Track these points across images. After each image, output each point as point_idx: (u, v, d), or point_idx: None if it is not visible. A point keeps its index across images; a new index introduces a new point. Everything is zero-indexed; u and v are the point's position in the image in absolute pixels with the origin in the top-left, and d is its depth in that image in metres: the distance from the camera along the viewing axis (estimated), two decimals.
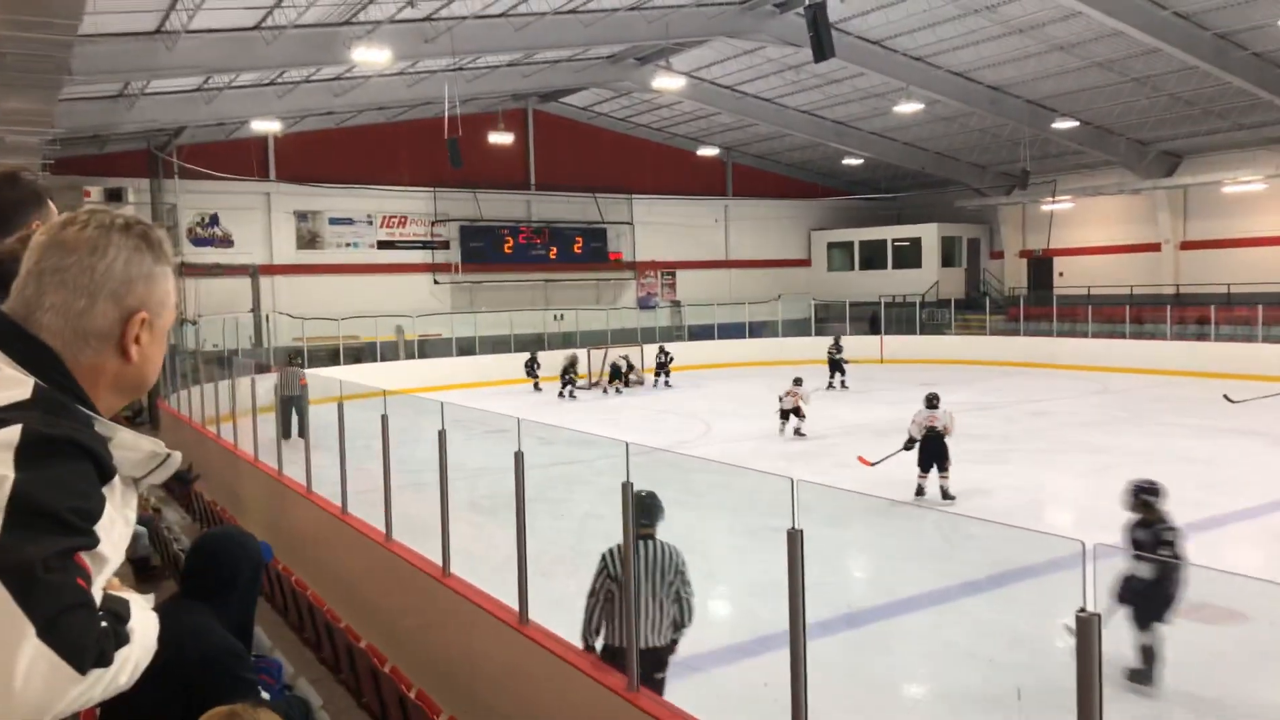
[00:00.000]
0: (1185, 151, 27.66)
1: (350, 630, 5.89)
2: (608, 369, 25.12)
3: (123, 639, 1.21)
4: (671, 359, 25.28)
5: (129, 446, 1.29)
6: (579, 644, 5.19)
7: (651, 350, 26.28)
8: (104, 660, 1.15)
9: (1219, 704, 6.06)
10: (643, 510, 5.07)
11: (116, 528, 1.25)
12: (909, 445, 11.79)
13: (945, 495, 11.52)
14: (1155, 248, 28.91)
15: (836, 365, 23.47)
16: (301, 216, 27.27)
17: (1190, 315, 26.24)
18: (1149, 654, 6.10)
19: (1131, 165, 28.00)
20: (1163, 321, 26.30)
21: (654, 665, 5.09)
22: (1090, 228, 30.84)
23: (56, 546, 1.12)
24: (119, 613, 1.24)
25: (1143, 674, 6.07)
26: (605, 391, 24.21)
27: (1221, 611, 7.19)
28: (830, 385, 22.99)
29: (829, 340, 24.58)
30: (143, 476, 1.33)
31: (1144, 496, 6.63)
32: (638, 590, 4.95)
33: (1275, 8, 17.42)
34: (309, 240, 27.43)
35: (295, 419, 14.62)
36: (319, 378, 16.54)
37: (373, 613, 7.43)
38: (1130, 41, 19.86)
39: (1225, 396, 17.57)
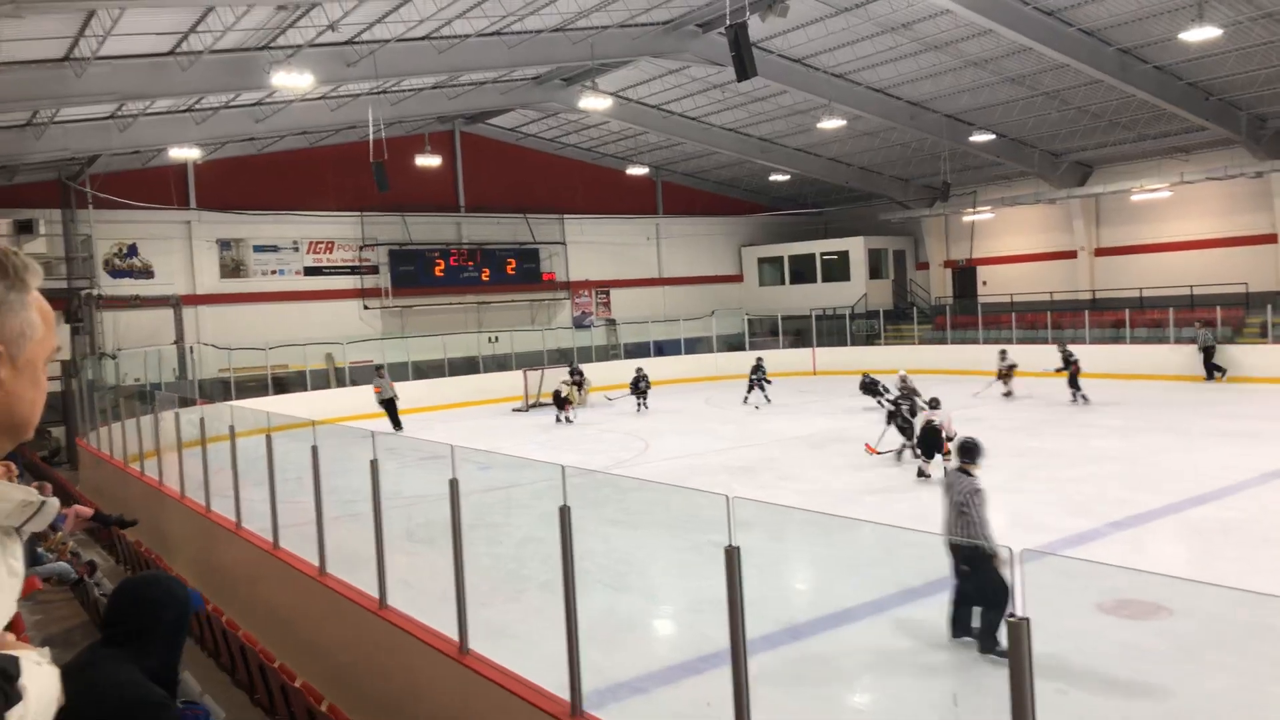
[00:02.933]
0: (1096, 162, 28.76)
1: (285, 669, 5.73)
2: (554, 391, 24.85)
3: (13, 698, 1.16)
4: (648, 382, 23.49)
5: None
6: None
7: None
8: None
9: (1148, 697, 6.24)
10: (970, 448, 7.46)
11: None
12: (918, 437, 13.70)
13: (923, 474, 13.21)
14: (1072, 255, 29.94)
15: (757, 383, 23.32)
16: (224, 244, 26.64)
17: (1106, 319, 27.20)
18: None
19: (1046, 175, 28.99)
20: (1081, 326, 27.22)
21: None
22: (1010, 237, 31.80)
23: None
24: (7, 670, 1.19)
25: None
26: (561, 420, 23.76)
27: (1146, 606, 7.42)
28: (746, 400, 23.08)
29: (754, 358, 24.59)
30: (20, 525, 1.26)
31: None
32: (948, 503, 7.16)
33: (1173, 23, 18.24)
34: (233, 269, 26.80)
35: None
36: (247, 409, 16.14)
37: (309, 650, 7.24)
38: (1039, 57, 20.60)
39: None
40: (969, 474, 7.12)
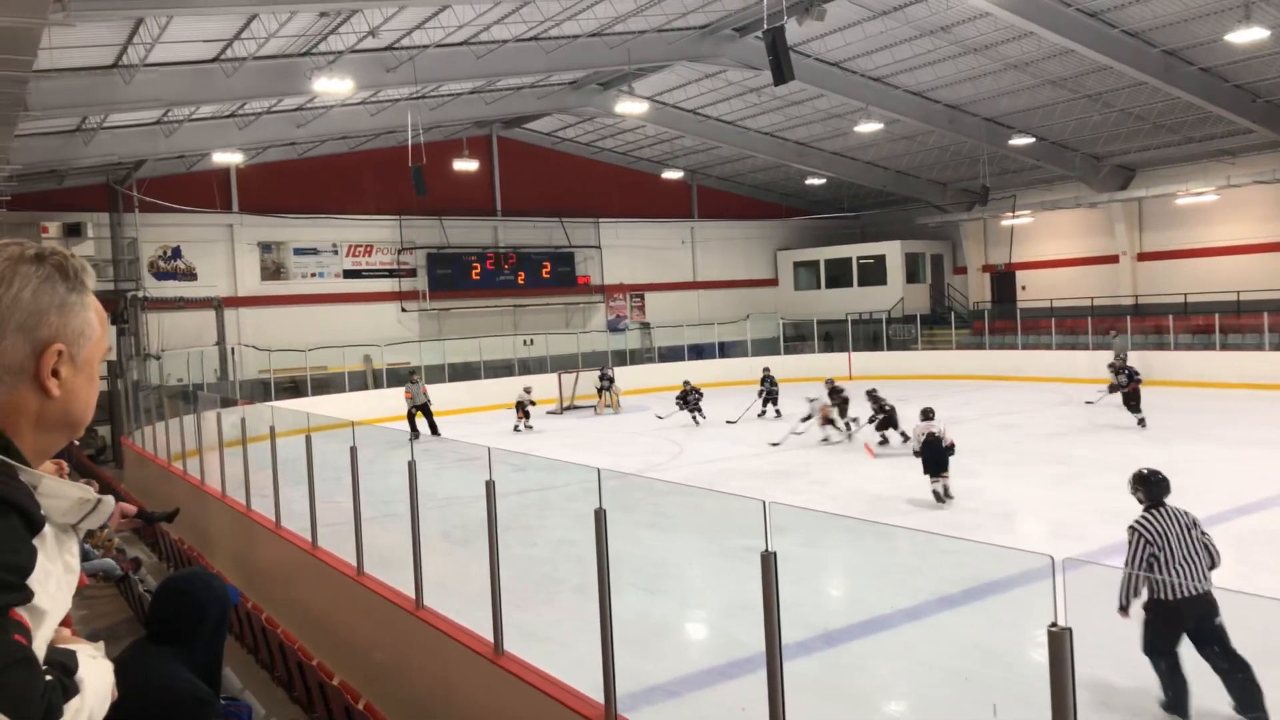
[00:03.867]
0: (1139, 165, 28.27)
1: (322, 667, 5.80)
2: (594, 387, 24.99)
3: (71, 691, 1.19)
4: (699, 394, 22.20)
5: (55, 494, 1.24)
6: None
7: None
8: (53, 713, 1.13)
9: (1192, 710, 6.12)
10: (1161, 484, 6.26)
11: (52, 579, 1.21)
12: (918, 452, 12.85)
13: (946, 495, 12.24)
14: (1114, 259, 29.45)
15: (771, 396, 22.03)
16: (265, 247, 27.05)
17: (1149, 325, 26.72)
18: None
19: (1087, 179, 28.56)
20: (1123, 332, 26.75)
21: (1205, 608, 5.72)
22: (1050, 241, 31.36)
23: None
24: (66, 664, 1.22)
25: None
26: (598, 411, 23.99)
27: None
28: (763, 414, 21.89)
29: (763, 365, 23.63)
30: (77, 522, 1.29)
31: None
32: (1174, 549, 5.94)
33: (1219, 25, 17.91)
34: (274, 271, 27.20)
35: None
36: (286, 410, 16.38)
37: (345, 648, 7.33)
38: (1081, 59, 20.31)
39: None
40: (1167, 505, 6.18)
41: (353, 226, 28.11)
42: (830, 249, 35.72)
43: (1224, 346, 24.43)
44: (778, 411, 21.83)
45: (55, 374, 1.25)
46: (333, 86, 16.59)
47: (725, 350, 31.79)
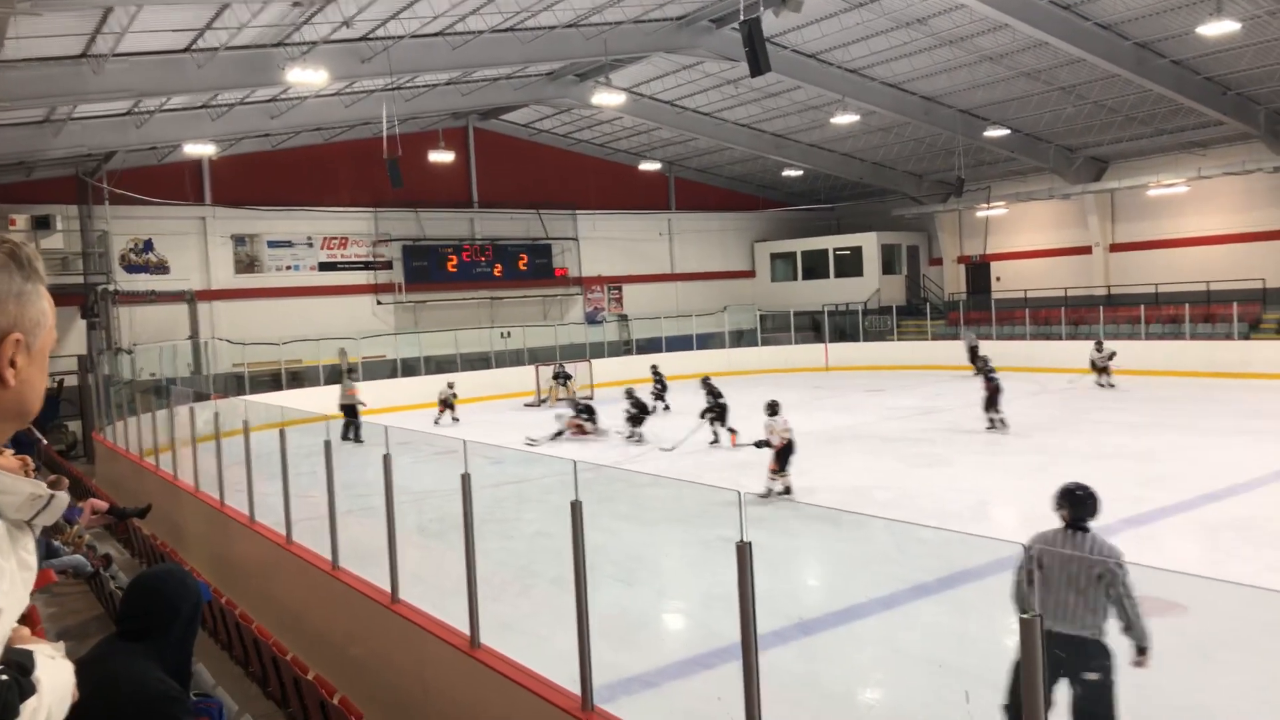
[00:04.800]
0: (1111, 157, 28.55)
1: (297, 662, 5.77)
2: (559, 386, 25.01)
3: (28, 690, 1.17)
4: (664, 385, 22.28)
5: (6, 490, 1.23)
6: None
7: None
8: (9, 712, 1.12)
9: (1161, 694, 6.21)
10: (1081, 501, 5.12)
11: (5, 576, 1.19)
12: (761, 444, 12.41)
13: (788, 490, 12.13)
14: (1087, 250, 29.76)
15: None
16: (239, 240, 26.79)
17: (1122, 315, 27.04)
18: None
19: (1061, 171, 28.81)
20: (1096, 322, 27.06)
21: (1072, 653, 4.82)
22: (1024, 233, 31.63)
23: None
24: (22, 664, 1.21)
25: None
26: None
27: (1160, 604, 7.38)
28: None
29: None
30: (30, 518, 1.27)
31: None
32: (1051, 575, 4.95)
33: (1191, 17, 18.08)
34: (248, 264, 26.94)
35: None
36: (260, 404, 16.24)
37: (321, 643, 7.29)
38: (1055, 52, 20.46)
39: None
40: (1089, 530, 5.10)
41: (328, 219, 27.88)
42: (807, 240, 35.85)
43: (1194, 336, 24.76)
44: (666, 406, 21.34)
45: (12, 363, 1.24)
46: (307, 78, 16.43)
47: (702, 342, 31.87)
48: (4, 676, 1.13)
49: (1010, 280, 31.88)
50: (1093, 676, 4.78)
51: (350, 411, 18.92)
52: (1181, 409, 18.79)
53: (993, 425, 17.12)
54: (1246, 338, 24.28)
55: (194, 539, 11.16)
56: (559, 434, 18.09)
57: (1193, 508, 10.95)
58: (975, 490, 12.68)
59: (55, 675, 1.27)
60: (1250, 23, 18.08)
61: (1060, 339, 27.08)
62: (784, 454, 12.16)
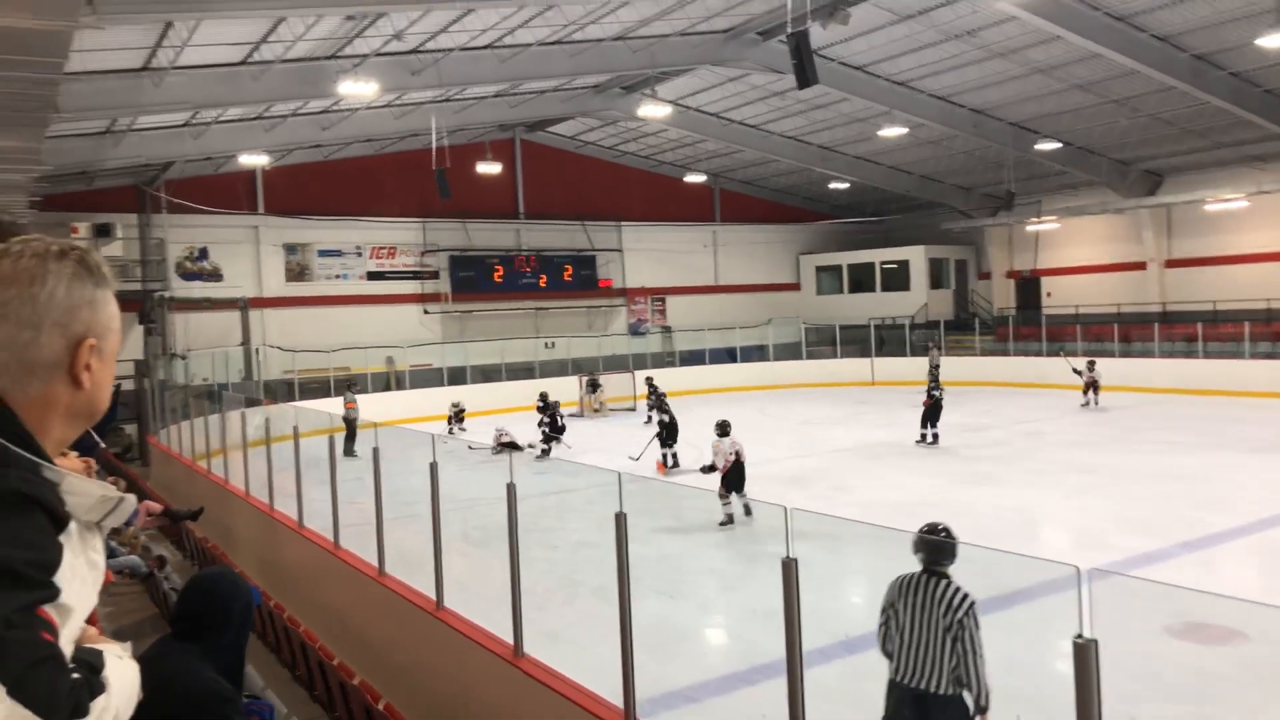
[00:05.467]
0: (1167, 171, 27.96)
1: (344, 667, 5.83)
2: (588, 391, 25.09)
3: (97, 689, 1.20)
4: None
5: (78, 492, 1.26)
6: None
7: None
8: (80, 711, 1.14)
9: None
10: (938, 546, 4.66)
11: (77, 576, 1.22)
12: (708, 469, 12.04)
13: (748, 511, 11.56)
14: (1141, 266, 29.13)
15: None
16: (290, 249, 27.28)
17: (1177, 333, 26.40)
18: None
19: (1114, 185, 28.27)
20: (1150, 339, 26.44)
21: (921, 710, 4.54)
22: (1076, 247, 31.06)
23: (17, 602, 1.10)
24: (92, 663, 1.23)
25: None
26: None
27: (1219, 631, 7.18)
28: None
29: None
30: (100, 520, 1.30)
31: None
32: (904, 622, 4.58)
33: (1250, 29, 17.67)
34: (298, 273, 27.42)
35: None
36: (310, 410, 16.50)
37: (366, 648, 7.36)
38: (1109, 64, 20.11)
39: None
40: (946, 576, 4.63)
41: (376, 229, 28.29)
42: (853, 254, 35.56)
43: (1253, 355, 24.09)
44: (664, 420, 20.18)
45: (87, 367, 1.29)
46: (358, 89, 16.70)
47: (746, 355, 31.73)
48: (76, 675, 1.16)
49: (1061, 296, 31.30)
50: None
51: (350, 425, 17.31)
52: (1240, 430, 18.28)
53: (923, 439, 17.64)
54: None
55: (244, 542, 11.35)
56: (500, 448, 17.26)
57: (1252, 531, 10.65)
58: (1023, 509, 12.45)
59: (123, 674, 1.30)
60: None
61: (1114, 356, 26.51)
62: (731, 477, 11.55)
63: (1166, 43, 19.41)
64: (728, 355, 31.58)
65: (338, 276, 27.95)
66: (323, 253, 27.71)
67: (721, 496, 11.45)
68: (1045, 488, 13.81)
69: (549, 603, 7.91)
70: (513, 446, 17.60)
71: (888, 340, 31.55)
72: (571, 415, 24.72)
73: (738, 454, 11.75)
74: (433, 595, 6.48)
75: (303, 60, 17.52)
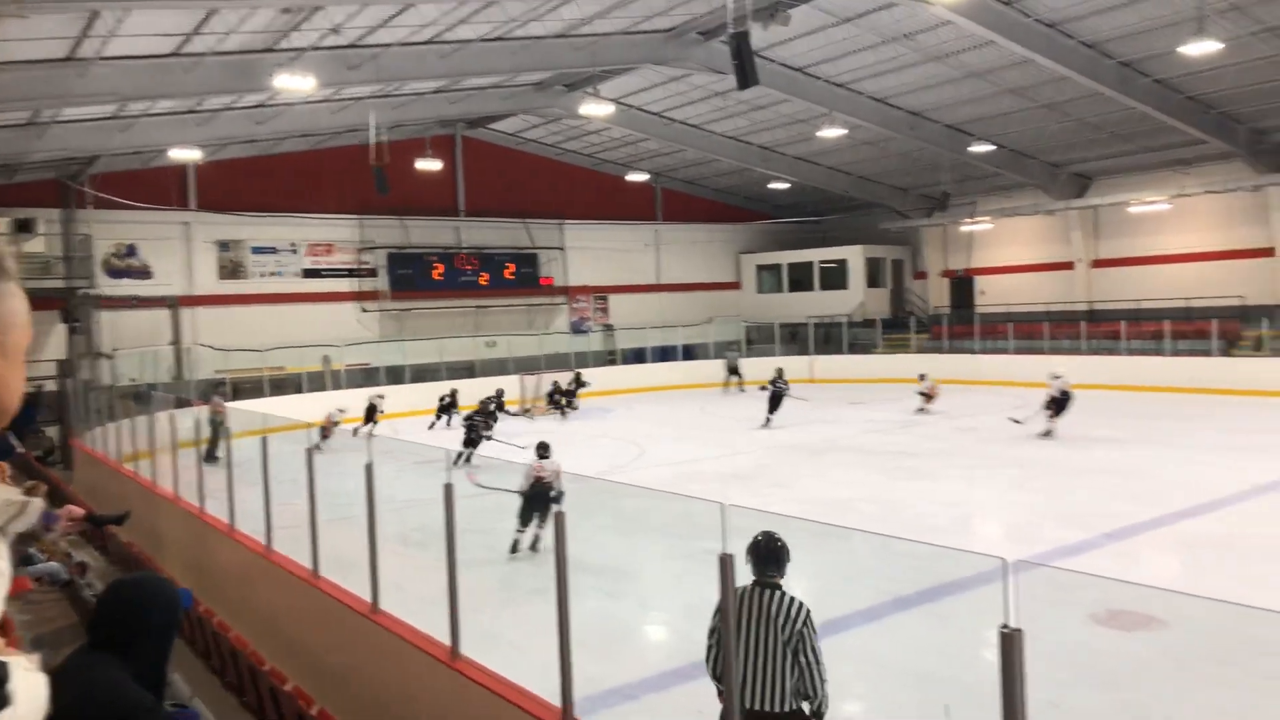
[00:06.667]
0: (1095, 173, 28.81)
1: (276, 672, 5.72)
2: (545, 392, 25.08)
3: (3, 702, 1.16)
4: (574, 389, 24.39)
5: None
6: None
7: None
8: None
9: (1140, 708, 6.24)
10: (766, 556, 4.46)
11: None
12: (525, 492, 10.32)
13: (534, 548, 10.02)
14: (1069, 266, 29.98)
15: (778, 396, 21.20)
16: (223, 246, 26.65)
17: (1103, 331, 27.23)
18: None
19: (1045, 187, 29.05)
20: (1078, 337, 27.23)
21: None
22: (1009, 247, 31.85)
23: None
24: None
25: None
26: (563, 413, 23.97)
27: (1139, 618, 7.42)
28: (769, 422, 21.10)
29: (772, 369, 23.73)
30: (3, 525, 1.26)
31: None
32: (748, 641, 4.31)
33: (1174, 37, 18.27)
34: (231, 270, 26.81)
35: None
36: (242, 411, 16.14)
37: (300, 653, 7.23)
38: (1040, 69, 20.64)
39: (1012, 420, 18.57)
40: (779, 587, 4.43)
41: (313, 225, 27.80)
42: (793, 253, 35.98)
43: (1174, 352, 24.96)
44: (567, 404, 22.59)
45: None
46: (294, 84, 16.37)
47: (688, 353, 31.90)
48: None
49: (994, 295, 32.07)
50: None
51: (215, 429, 16.21)
52: (1161, 425, 18.93)
53: (768, 424, 20.42)
54: (1226, 354, 24.50)
55: (173, 546, 11.06)
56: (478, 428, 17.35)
57: (1173, 522, 11.03)
58: (958, 503, 12.73)
59: (30, 688, 1.25)
60: (1232, 43, 18.27)
61: (1044, 353, 27.23)
62: (537, 502, 9.99)
63: (1094, 49, 20.00)
64: (669, 353, 31.71)
65: (272, 274, 27.39)
66: (257, 250, 27.14)
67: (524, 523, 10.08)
68: (979, 482, 14.13)
69: (487, 603, 7.86)
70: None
71: (826, 339, 32.01)
72: (514, 414, 24.64)
73: (539, 478, 10.06)
74: (368, 598, 6.39)
75: (237, 53, 17.12)
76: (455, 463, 16.39)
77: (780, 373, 22.22)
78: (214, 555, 9.63)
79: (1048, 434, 17.50)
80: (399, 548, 8.74)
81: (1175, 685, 6.56)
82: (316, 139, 26.37)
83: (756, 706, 4.22)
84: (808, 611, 4.31)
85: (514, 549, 10.03)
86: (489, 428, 17.53)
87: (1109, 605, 7.45)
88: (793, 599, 4.35)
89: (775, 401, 21.02)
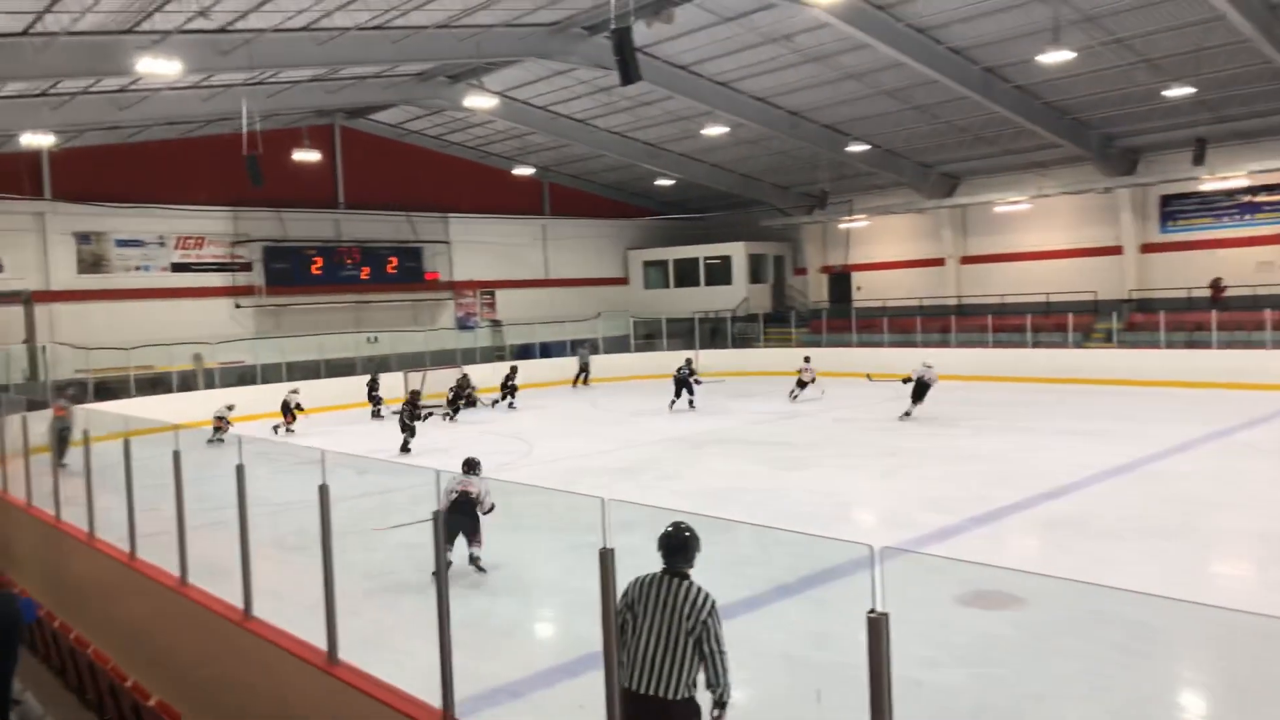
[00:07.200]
0: (962, 174, 30.18)
1: (139, 687, 5.46)
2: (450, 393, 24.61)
3: None
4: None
5: None
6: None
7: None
8: None
9: (1000, 684, 6.60)
10: (674, 547, 4.45)
11: None
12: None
13: (478, 567, 9.23)
14: (940, 262, 31.33)
15: (684, 383, 22.40)
16: (83, 238, 25.16)
17: (972, 324, 28.59)
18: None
19: (917, 186, 30.25)
20: (949, 331, 28.50)
21: (658, 715, 4.29)
22: (884, 245, 33.05)
23: None
24: None
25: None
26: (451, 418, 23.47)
27: (1003, 598, 7.84)
28: (673, 404, 22.34)
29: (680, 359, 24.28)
30: None
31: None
32: (642, 626, 4.34)
33: (1032, 46, 19.30)
34: (93, 264, 25.33)
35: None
36: (105, 413, 15.29)
37: (167, 666, 6.93)
38: (912, 72, 21.49)
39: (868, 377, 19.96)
40: (686, 577, 4.45)
41: (182, 217, 26.54)
42: (679, 249, 36.41)
43: (1035, 344, 26.41)
44: (691, 403, 22.56)
45: None
46: (159, 68, 15.57)
47: (577, 349, 31.88)
48: None
49: (871, 290, 33.25)
50: None
51: (62, 433, 15.20)
52: (1024, 413, 19.99)
53: (691, 405, 22.14)
54: (1081, 346, 26.07)
55: (25, 558, 10.41)
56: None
57: (1032, 506, 11.67)
58: (835, 492, 13.15)
59: None
60: (1084, 52, 19.45)
61: (917, 346, 28.40)
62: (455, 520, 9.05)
63: (961, 55, 20.95)
64: (558, 349, 31.62)
65: (138, 268, 26.04)
66: (121, 242, 25.73)
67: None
68: (855, 471, 14.63)
69: (367, 607, 7.70)
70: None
71: (712, 333, 32.54)
72: (393, 412, 24.14)
73: (463, 492, 9.37)
74: (240, 604, 6.17)
75: (94, 34, 16.18)
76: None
77: (689, 362, 23.16)
78: (72, 566, 9.10)
79: (907, 415, 19.07)
80: (275, 552, 8.46)
81: (1029, 658, 6.96)
82: (186, 127, 25.18)
83: (651, 691, 4.30)
84: (713, 602, 4.37)
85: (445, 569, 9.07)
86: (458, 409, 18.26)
87: (975, 587, 7.84)
88: (699, 589, 4.40)
89: (681, 386, 22.41)
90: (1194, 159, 22.44)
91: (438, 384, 25.17)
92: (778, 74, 23.04)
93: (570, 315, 33.30)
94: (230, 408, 19.92)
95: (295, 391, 21.49)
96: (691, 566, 4.51)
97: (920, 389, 19.22)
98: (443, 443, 18.77)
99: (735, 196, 34.36)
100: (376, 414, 23.43)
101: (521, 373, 25.44)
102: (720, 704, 4.37)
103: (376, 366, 26.08)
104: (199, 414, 20.63)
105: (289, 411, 21.07)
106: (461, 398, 23.52)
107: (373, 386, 23.98)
